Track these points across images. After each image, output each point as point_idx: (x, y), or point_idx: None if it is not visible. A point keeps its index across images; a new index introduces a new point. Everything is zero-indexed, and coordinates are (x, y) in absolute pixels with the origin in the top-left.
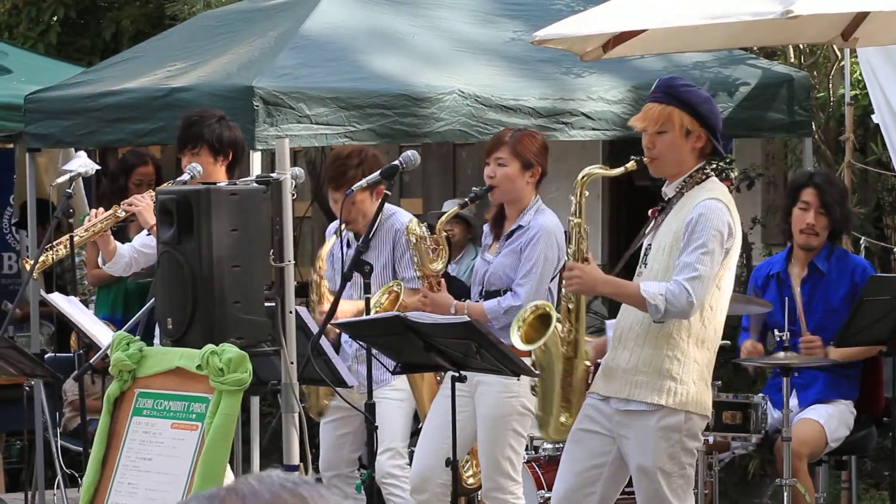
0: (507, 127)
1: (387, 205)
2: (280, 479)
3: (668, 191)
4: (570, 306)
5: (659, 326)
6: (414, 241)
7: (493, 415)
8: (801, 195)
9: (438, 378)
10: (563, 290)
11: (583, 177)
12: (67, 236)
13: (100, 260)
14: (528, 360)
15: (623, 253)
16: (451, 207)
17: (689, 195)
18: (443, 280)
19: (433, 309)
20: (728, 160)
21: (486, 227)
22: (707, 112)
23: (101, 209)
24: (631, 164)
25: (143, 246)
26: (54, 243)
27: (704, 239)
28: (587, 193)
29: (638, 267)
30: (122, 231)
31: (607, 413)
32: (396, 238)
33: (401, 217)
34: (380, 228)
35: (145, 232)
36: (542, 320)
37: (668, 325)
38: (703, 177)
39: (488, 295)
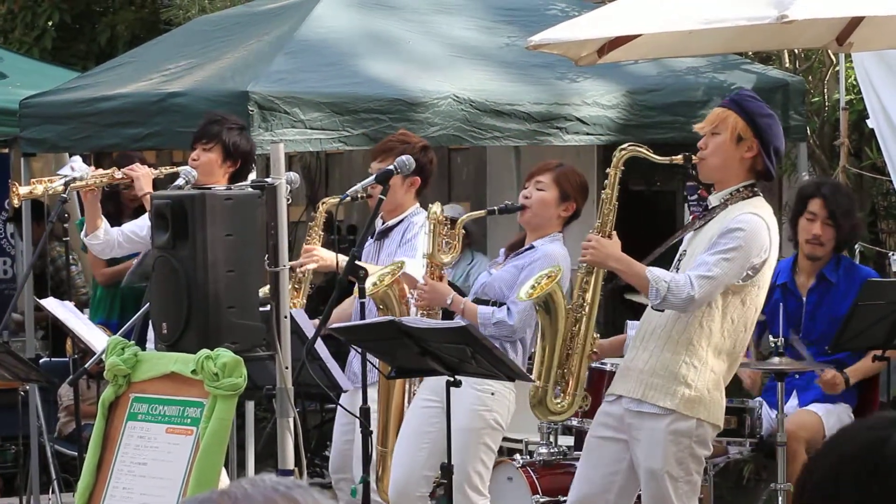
0: (502, 131)
1: (416, 208)
2: (273, 482)
3: (713, 199)
4: (586, 280)
5: (681, 331)
6: (432, 226)
7: (465, 427)
8: (809, 205)
9: (408, 396)
10: (579, 261)
11: (622, 150)
12: (62, 181)
13: (82, 234)
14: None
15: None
16: (447, 213)
17: (732, 209)
18: (445, 274)
19: (431, 295)
20: None
21: (501, 251)
22: (764, 125)
23: (99, 169)
24: (679, 158)
25: (131, 232)
26: (44, 179)
27: (731, 247)
28: (622, 168)
29: (671, 269)
30: (117, 224)
31: (618, 414)
32: (407, 229)
33: (422, 218)
34: (399, 224)
35: (137, 221)
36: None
37: (690, 331)
38: (751, 194)
39: (478, 303)
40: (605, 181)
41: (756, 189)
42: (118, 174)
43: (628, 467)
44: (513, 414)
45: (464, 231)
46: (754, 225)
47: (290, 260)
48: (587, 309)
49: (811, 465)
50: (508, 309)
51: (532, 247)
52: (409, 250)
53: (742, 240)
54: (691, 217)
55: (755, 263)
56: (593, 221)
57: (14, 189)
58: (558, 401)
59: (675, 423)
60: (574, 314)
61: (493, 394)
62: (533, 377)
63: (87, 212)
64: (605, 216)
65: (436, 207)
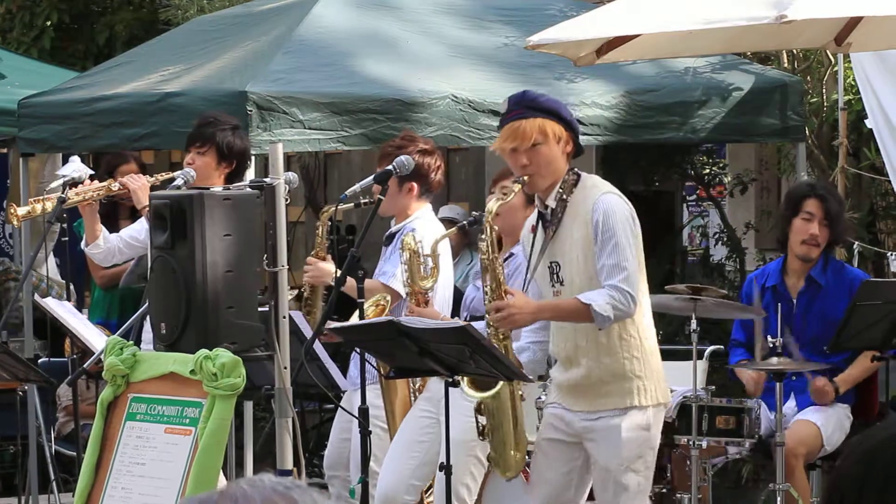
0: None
1: (419, 212)
2: (272, 482)
3: (549, 202)
4: (505, 342)
5: (606, 333)
6: (408, 255)
7: (456, 438)
8: (804, 206)
9: (413, 396)
10: (495, 329)
11: (489, 212)
12: (57, 195)
13: (83, 243)
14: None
15: None
16: (445, 213)
17: (574, 200)
18: (430, 298)
19: None
20: (721, 165)
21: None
22: (568, 115)
23: (95, 181)
24: (517, 186)
25: (130, 238)
26: (42, 198)
27: (618, 236)
28: (496, 228)
29: (551, 286)
30: (115, 224)
31: (570, 420)
32: (397, 239)
33: (413, 226)
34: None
35: (135, 226)
36: None
37: (615, 330)
38: (576, 177)
39: (472, 320)
40: (482, 244)
41: (575, 170)
42: (115, 186)
43: (582, 465)
44: None
45: (461, 232)
46: (614, 203)
47: (287, 261)
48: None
49: (845, 456)
50: None
51: (511, 254)
52: (395, 261)
53: (616, 224)
54: (531, 231)
55: (636, 233)
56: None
57: (13, 210)
58: (515, 454)
59: (633, 418)
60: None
61: None
62: (491, 450)
63: (86, 223)
64: (496, 276)
65: (408, 238)
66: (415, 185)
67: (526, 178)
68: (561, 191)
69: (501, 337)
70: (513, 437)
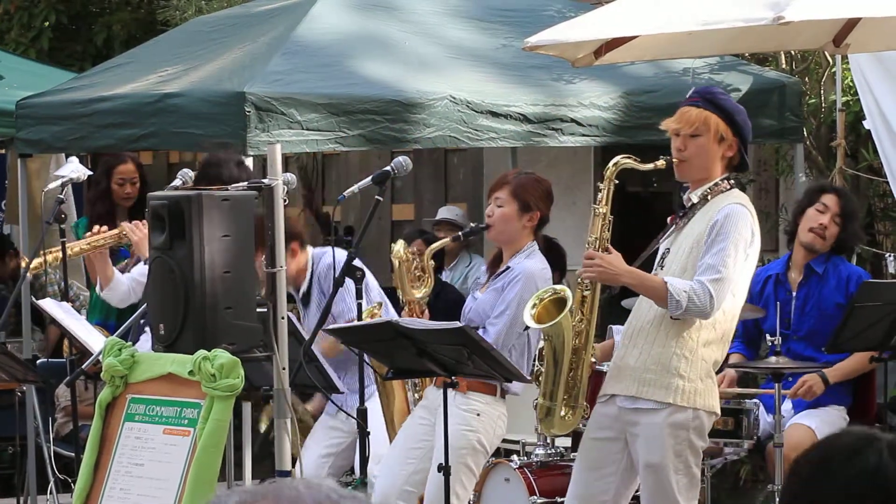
0: (498, 133)
1: (318, 249)
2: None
3: (692, 196)
4: (586, 294)
5: (670, 325)
6: (398, 264)
7: (450, 445)
8: (822, 198)
9: (412, 404)
10: (579, 278)
11: (613, 165)
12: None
13: (97, 287)
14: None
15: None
16: (444, 214)
17: (714, 202)
18: (426, 309)
19: None
20: None
21: (482, 268)
22: (742, 122)
23: (104, 227)
24: (661, 163)
25: (140, 276)
26: (50, 251)
27: (727, 242)
28: (616, 182)
29: (654, 269)
30: (113, 225)
31: (613, 414)
32: (322, 277)
33: (327, 259)
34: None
35: (143, 262)
36: (559, 305)
37: (679, 324)
38: (728, 186)
39: None
40: (599, 195)
41: (732, 181)
42: (124, 235)
43: (625, 467)
44: (502, 430)
45: (460, 231)
46: (739, 213)
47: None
48: (587, 322)
49: (804, 455)
50: (486, 330)
51: (508, 267)
52: (342, 300)
53: (731, 231)
54: (669, 219)
55: (748, 252)
56: (582, 217)
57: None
58: (565, 415)
59: (672, 416)
60: (575, 328)
61: (478, 415)
62: (540, 397)
63: (98, 268)
64: (600, 231)
65: (399, 246)
66: None
67: (676, 161)
68: (708, 191)
69: (584, 287)
70: (565, 387)
